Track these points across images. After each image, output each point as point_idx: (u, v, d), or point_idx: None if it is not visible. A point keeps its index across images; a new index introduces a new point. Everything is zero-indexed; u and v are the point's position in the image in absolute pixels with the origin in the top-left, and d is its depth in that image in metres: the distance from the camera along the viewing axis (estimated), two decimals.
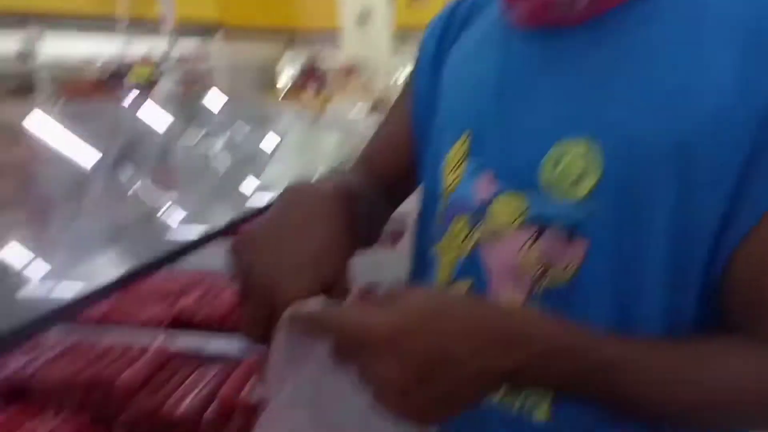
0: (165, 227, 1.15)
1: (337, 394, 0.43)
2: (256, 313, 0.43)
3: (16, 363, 0.95)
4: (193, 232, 1.36)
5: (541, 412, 0.54)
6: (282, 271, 0.42)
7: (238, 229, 1.71)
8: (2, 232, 1.02)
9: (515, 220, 0.51)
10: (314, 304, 0.41)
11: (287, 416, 0.44)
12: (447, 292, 0.53)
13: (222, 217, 1.50)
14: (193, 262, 1.48)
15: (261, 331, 0.42)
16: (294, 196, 0.48)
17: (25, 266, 1.06)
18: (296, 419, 0.44)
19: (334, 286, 0.43)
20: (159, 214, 1.21)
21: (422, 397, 0.38)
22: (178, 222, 1.21)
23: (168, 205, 1.35)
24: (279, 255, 0.43)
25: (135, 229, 1.10)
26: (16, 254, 1.09)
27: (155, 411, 0.87)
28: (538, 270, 0.50)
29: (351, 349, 0.39)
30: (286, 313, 0.41)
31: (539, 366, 0.40)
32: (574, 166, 0.47)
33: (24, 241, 1.01)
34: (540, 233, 0.51)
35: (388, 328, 0.38)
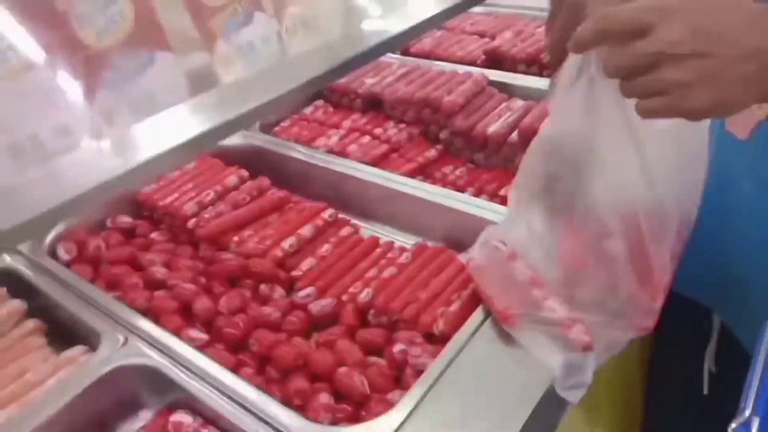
0: None
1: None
2: (563, 28, 0.50)
3: (372, 81, 1.22)
4: None
5: None
6: None
7: None
8: None
9: None
10: None
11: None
12: None
13: None
14: (507, 2, 1.54)
15: (562, 48, 0.50)
16: None
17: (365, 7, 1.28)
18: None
19: None
20: None
21: (697, 70, 0.43)
22: None
23: None
24: None
25: None
26: None
27: (470, 129, 1.06)
28: None
29: (635, 27, 0.44)
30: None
31: None
32: None
33: None
34: None
35: None
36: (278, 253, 0.86)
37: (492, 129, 1.03)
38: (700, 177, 0.68)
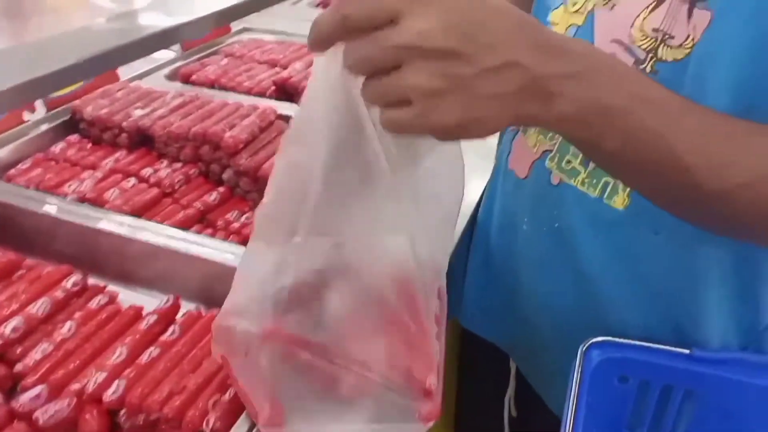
0: None
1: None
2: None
3: (140, 112, 1.04)
4: None
5: (618, 200, 0.53)
6: None
7: None
8: None
9: None
10: None
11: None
12: None
13: None
14: (303, 31, 1.47)
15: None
16: None
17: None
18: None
19: None
20: None
21: (447, 76, 0.36)
22: None
23: None
24: None
25: None
26: None
27: (256, 169, 0.93)
28: (651, 43, 0.43)
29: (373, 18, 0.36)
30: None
31: (578, 85, 0.37)
32: None
33: None
34: (660, 0, 0.43)
35: None
36: None
37: None
38: (452, 222, 0.62)
